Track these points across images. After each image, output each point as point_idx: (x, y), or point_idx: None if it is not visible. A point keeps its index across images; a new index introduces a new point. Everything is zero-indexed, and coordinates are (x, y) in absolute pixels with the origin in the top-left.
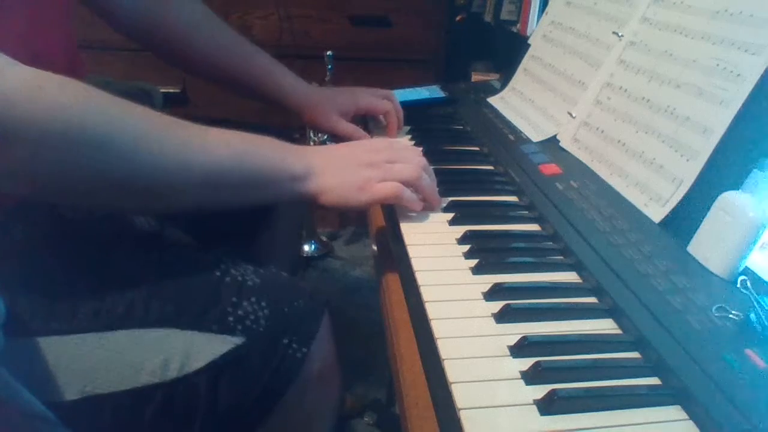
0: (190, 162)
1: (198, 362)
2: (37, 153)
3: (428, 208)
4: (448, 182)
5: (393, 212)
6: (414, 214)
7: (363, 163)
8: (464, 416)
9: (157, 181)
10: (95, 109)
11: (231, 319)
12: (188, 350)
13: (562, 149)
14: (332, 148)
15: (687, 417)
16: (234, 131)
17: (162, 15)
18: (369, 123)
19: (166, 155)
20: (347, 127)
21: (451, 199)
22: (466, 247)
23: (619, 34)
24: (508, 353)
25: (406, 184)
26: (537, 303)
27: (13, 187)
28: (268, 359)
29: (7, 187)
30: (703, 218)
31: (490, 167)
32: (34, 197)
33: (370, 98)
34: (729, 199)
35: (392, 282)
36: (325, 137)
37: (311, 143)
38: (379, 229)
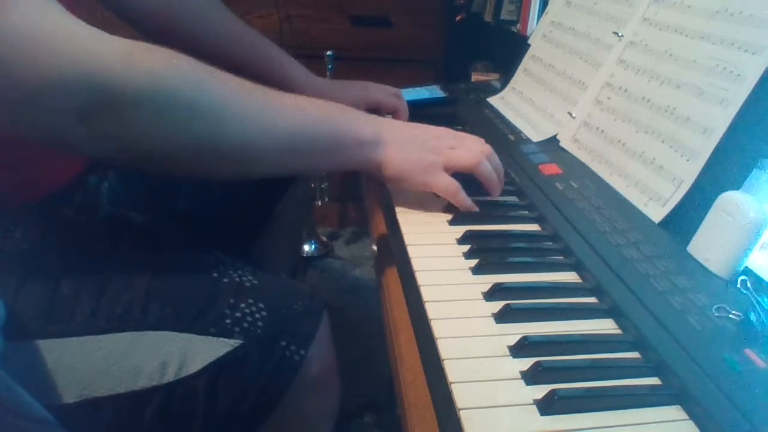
0: (270, 126)
1: (196, 365)
2: (131, 117)
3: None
4: None
5: (393, 212)
6: (414, 214)
7: (428, 147)
8: (464, 416)
9: (240, 145)
10: (182, 74)
11: (228, 321)
12: (186, 353)
13: (562, 149)
14: (401, 124)
15: (687, 417)
16: (303, 97)
17: (170, 5)
18: None
19: (248, 119)
20: None
21: None
22: (466, 247)
23: (619, 34)
24: (508, 353)
25: (466, 170)
26: (537, 303)
27: (106, 151)
28: (266, 361)
29: (101, 151)
30: (703, 218)
31: None
32: (124, 162)
33: (380, 93)
34: (729, 199)
35: (392, 282)
36: None
37: None
38: (379, 229)
